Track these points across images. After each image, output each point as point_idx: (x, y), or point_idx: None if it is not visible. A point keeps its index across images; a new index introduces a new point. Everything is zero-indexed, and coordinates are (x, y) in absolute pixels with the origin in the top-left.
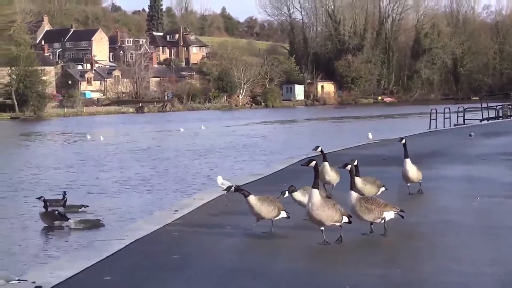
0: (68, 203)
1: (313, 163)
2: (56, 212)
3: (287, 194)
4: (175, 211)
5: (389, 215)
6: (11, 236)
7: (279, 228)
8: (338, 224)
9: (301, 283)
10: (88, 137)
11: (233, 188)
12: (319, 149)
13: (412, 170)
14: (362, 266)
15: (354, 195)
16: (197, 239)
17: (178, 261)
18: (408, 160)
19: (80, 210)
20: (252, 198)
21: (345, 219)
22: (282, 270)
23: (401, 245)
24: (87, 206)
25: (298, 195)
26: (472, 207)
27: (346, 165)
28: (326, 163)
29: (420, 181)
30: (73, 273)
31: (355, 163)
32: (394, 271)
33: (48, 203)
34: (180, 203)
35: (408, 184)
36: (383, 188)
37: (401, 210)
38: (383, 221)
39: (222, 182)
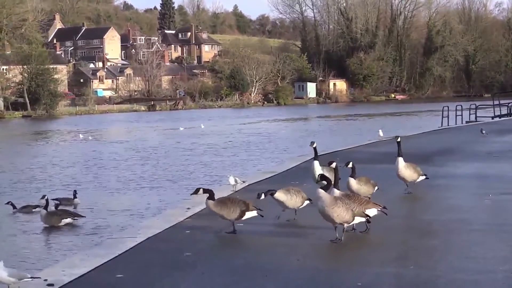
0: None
1: (334, 164)
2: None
3: (263, 196)
4: (187, 209)
5: (372, 212)
6: (22, 234)
7: (290, 226)
8: (347, 224)
9: (314, 281)
10: (81, 136)
11: (201, 190)
12: (314, 145)
13: (404, 169)
14: (375, 264)
15: (336, 192)
16: (209, 237)
17: (190, 259)
18: (400, 159)
19: (34, 210)
20: (210, 203)
21: (360, 219)
22: (295, 268)
23: (414, 243)
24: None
25: (280, 196)
26: (485, 204)
27: (331, 162)
28: (316, 162)
29: (414, 181)
30: (85, 271)
31: (350, 165)
32: (407, 269)
33: (59, 202)
34: (192, 201)
35: (407, 184)
36: (376, 187)
37: (384, 207)
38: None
39: (234, 180)
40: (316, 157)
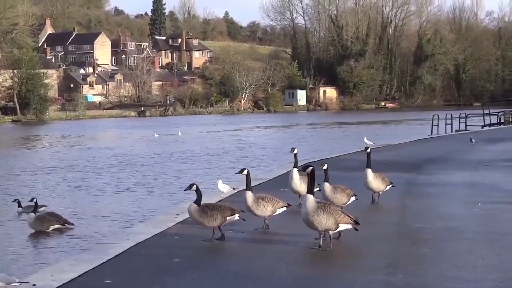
0: None
1: (309, 169)
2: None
3: (246, 172)
4: (177, 215)
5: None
6: (11, 239)
7: (281, 233)
8: (331, 232)
9: None
10: (44, 143)
11: (195, 186)
12: (295, 151)
13: (372, 180)
14: (365, 271)
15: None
16: (198, 243)
17: (179, 265)
18: (369, 170)
19: None
20: (194, 208)
21: (346, 226)
22: (285, 275)
23: (404, 251)
24: None
25: (249, 199)
26: (475, 213)
27: (307, 167)
28: (295, 169)
29: (380, 192)
30: (74, 276)
31: (325, 167)
32: (396, 276)
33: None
34: (181, 207)
35: (372, 193)
36: (353, 198)
37: (355, 222)
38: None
39: (223, 186)
40: (296, 164)
